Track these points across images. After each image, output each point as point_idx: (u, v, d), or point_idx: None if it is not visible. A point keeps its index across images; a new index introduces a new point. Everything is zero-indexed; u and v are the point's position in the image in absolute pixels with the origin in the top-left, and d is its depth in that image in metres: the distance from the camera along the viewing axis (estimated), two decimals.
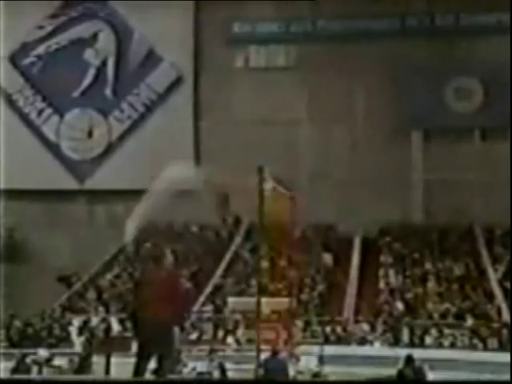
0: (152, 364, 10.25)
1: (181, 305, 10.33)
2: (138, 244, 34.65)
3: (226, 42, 37.76)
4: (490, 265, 30.50)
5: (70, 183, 38.57)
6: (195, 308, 28.96)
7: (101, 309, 29.78)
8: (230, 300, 28.27)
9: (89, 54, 38.86)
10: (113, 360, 21.16)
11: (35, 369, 20.88)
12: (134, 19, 38.32)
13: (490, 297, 28.38)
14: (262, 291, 18.76)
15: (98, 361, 21.17)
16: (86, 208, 38.68)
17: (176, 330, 10.36)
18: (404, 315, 27.58)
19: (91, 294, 31.30)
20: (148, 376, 10.33)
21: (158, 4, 36.48)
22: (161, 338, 9.83)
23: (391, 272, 30.66)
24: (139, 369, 9.93)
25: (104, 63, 38.84)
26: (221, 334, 26.90)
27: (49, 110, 39.14)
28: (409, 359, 16.62)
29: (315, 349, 21.75)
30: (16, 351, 23.46)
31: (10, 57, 39.16)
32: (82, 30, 39.00)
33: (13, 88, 39.21)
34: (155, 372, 10.18)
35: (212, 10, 37.70)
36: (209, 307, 28.97)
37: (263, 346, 17.44)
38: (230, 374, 19.86)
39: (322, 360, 20.93)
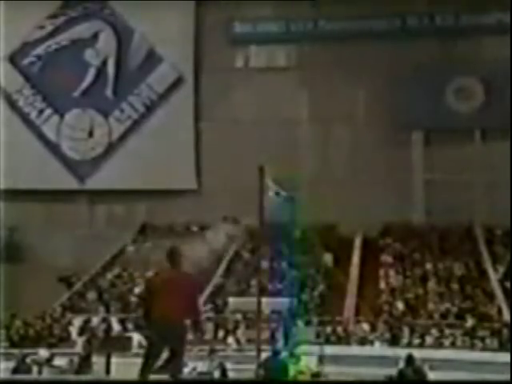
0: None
1: (197, 305, 10.45)
2: (138, 244, 34.74)
3: (227, 42, 37.77)
4: (490, 265, 30.50)
5: (71, 183, 38.56)
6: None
7: (101, 309, 29.79)
8: (231, 300, 28.32)
9: (89, 54, 38.86)
10: (113, 360, 21.17)
11: (35, 369, 20.91)
12: (134, 19, 38.31)
13: (491, 297, 28.37)
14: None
15: (97, 361, 21.18)
16: (85, 208, 38.68)
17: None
18: (404, 315, 27.57)
19: (91, 294, 31.30)
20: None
21: (158, 4, 36.47)
22: (174, 337, 9.97)
23: (391, 272, 30.67)
24: (146, 368, 9.98)
25: (104, 63, 38.83)
26: (221, 333, 26.88)
27: (49, 110, 39.12)
28: (409, 359, 16.64)
29: (315, 349, 21.71)
30: (16, 351, 23.49)
31: (9, 57, 39.17)
32: (81, 30, 39.00)
33: (13, 88, 39.21)
34: (161, 367, 10.23)
35: (212, 10, 37.71)
36: (209, 307, 28.94)
37: (263, 346, 17.43)
38: (230, 374, 19.88)
39: (322, 360, 20.89)
